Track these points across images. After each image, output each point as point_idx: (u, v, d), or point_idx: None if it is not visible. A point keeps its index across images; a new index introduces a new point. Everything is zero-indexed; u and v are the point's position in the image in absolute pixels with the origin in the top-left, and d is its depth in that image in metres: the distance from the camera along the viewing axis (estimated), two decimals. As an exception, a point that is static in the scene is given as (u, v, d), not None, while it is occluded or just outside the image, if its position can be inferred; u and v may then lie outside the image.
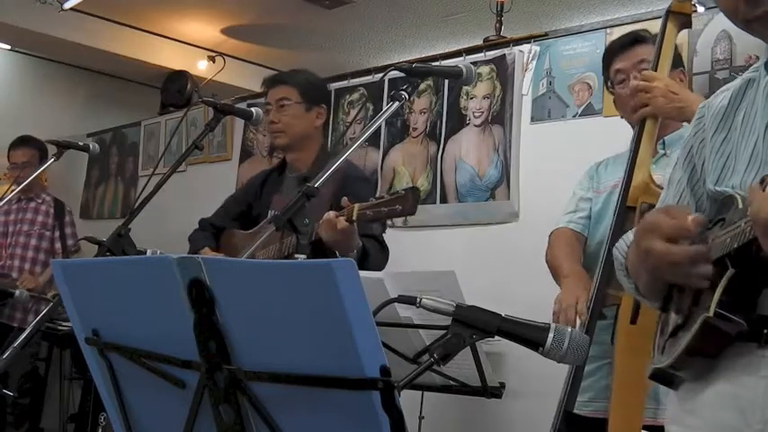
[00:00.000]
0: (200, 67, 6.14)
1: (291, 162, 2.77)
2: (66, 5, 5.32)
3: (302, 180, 2.49)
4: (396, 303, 1.27)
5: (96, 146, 2.97)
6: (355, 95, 4.02)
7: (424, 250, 3.46)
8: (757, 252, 0.98)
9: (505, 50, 3.39)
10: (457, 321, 1.14)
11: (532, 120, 3.28)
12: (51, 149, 3.17)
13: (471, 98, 3.48)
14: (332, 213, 2.12)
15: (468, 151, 3.45)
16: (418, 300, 1.20)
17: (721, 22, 2.62)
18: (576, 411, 2.06)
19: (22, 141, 4.50)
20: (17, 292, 3.93)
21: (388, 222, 2.16)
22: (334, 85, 4.02)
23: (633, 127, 2.21)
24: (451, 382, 1.97)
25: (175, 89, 5.85)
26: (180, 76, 5.91)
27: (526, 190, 3.25)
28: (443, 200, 3.52)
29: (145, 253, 2.07)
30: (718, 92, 1.28)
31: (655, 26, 2.29)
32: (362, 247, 2.31)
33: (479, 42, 3.67)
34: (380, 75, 3.85)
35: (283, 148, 2.76)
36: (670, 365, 1.15)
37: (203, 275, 1.02)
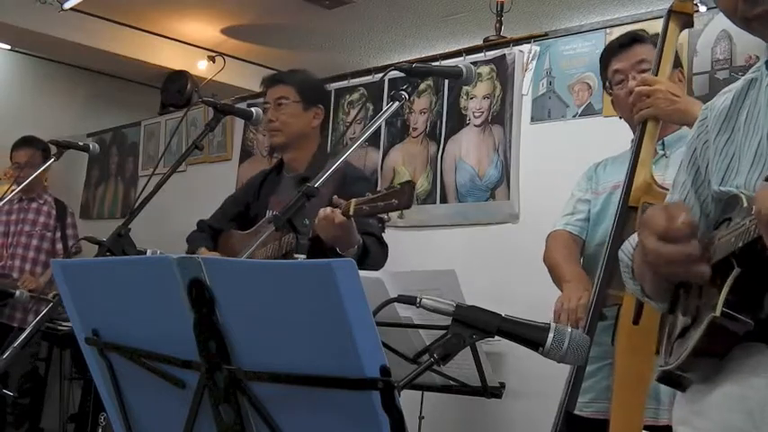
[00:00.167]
0: (200, 67, 6.14)
1: (288, 162, 2.77)
2: (67, 5, 5.32)
3: (299, 180, 2.49)
4: (396, 303, 1.26)
5: (96, 146, 2.98)
6: (355, 95, 4.02)
7: (424, 250, 3.47)
8: (762, 250, 0.97)
9: (505, 50, 3.39)
10: (457, 321, 1.14)
11: (532, 120, 3.28)
12: (51, 149, 3.17)
13: (471, 98, 3.48)
14: (328, 209, 2.10)
15: (468, 151, 3.45)
16: (418, 300, 1.20)
17: (721, 21, 2.62)
18: (576, 412, 2.05)
19: (25, 142, 4.49)
20: (17, 293, 3.92)
21: (385, 217, 2.15)
22: (334, 85, 4.02)
23: (632, 127, 2.21)
24: (451, 382, 1.96)
25: (175, 89, 5.86)
26: (180, 76, 5.91)
27: (526, 190, 3.25)
28: (443, 200, 3.52)
29: (145, 253, 2.07)
30: (720, 93, 1.28)
31: (655, 26, 2.29)
32: (363, 243, 2.30)
33: (479, 42, 3.67)
34: (380, 75, 3.85)
35: (280, 146, 2.75)
36: (677, 367, 1.15)
37: (203, 275, 1.02)
